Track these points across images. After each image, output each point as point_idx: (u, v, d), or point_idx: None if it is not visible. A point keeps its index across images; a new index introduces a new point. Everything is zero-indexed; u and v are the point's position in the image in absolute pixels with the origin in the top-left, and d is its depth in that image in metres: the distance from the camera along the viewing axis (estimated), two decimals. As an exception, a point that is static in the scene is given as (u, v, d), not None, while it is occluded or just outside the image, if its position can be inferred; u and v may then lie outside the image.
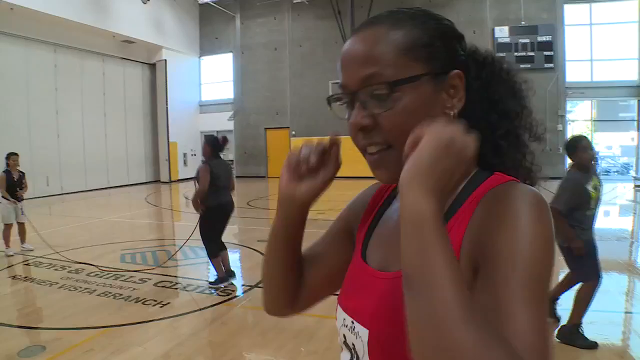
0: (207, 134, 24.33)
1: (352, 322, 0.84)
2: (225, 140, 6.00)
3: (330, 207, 14.16)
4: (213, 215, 5.73)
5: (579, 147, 4.11)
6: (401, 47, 0.76)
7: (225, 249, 5.94)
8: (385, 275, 0.81)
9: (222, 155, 5.99)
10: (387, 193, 0.99)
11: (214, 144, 5.86)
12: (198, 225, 5.87)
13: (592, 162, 4.23)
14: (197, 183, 5.73)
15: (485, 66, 0.87)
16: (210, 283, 5.79)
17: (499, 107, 0.85)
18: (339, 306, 0.90)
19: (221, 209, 5.77)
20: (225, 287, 5.67)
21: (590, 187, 4.08)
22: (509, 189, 0.71)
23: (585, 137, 4.29)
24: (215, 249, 5.78)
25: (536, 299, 0.60)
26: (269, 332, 4.49)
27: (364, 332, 0.80)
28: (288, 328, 4.52)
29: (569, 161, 4.35)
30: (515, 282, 0.60)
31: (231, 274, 5.89)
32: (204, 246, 5.88)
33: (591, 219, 4.17)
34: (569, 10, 19.10)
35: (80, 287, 5.76)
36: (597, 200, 4.18)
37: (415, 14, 0.81)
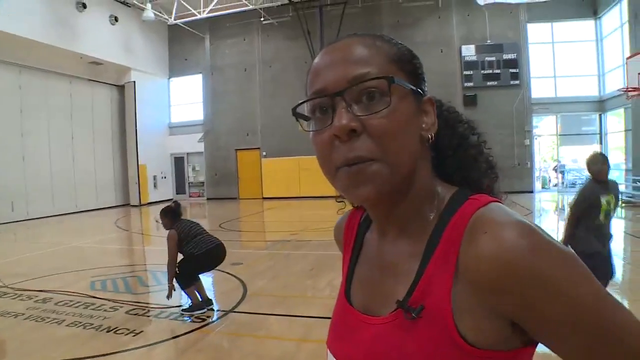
0: (177, 155, 24.25)
1: None
2: (177, 203, 5.96)
3: (303, 227, 14.10)
4: (201, 261, 5.57)
5: (596, 162, 4.38)
6: (390, 55, 0.75)
7: (199, 279, 5.75)
8: (374, 321, 0.78)
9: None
10: (357, 219, 0.95)
11: (169, 213, 5.75)
12: (181, 271, 5.59)
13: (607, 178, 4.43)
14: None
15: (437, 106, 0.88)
16: (184, 310, 5.60)
17: (463, 141, 0.87)
18: (329, 350, 0.87)
19: (209, 255, 5.58)
20: (199, 315, 5.51)
21: (603, 199, 4.29)
22: (494, 232, 0.67)
23: (602, 154, 4.59)
24: (188, 282, 5.58)
25: (620, 312, 0.65)
26: (247, 357, 4.37)
27: None
28: (266, 354, 4.42)
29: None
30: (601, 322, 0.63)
31: (209, 303, 5.69)
32: (176, 277, 5.60)
33: (600, 230, 4.35)
34: (532, 29, 19.87)
35: (48, 318, 5.52)
36: (608, 214, 4.35)
37: (392, 39, 0.81)
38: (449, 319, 0.67)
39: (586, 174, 4.67)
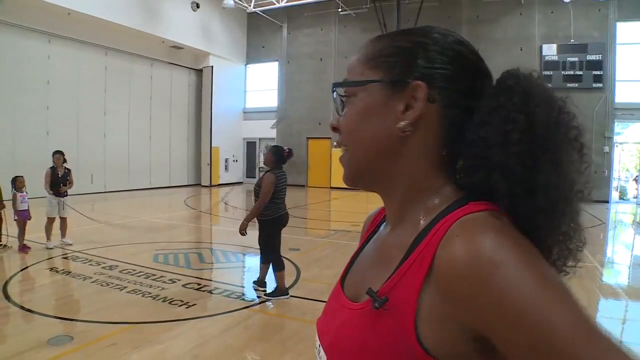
0: (249, 140, 24.77)
1: (319, 346, 0.83)
2: (290, 152, 5.77)
3: (363, 219, 14.10)
4: (272, 227, 5.61)
5: None
6: (366, 57, 0.82)
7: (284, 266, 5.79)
8: (351, 306, 0.79)
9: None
10: (380, 217, 0.97)
11: (278, 155, 5.64)
12: (260, 238, 5.68)
13: None
14: (254, 192, 5.61)
15: (513, 94, 0.72)
16: (267, 294, 5.65)
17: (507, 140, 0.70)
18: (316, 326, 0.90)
19: (280, 221, 5.65)
20: (277, 299, 5.57)
21: None
22: (466, 239, 0.64)
23: None
24: (282, 262, 5.66)
25: (597, 337, 0.56)
26: (289, 340, 4.51)
27: (324, 357, 0.81)
28: (308, 337, 4.51)
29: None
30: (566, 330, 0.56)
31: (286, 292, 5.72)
32: (270, 259, 5.66)
33: None
34: (622, 28, 18.41)
35: (112, 283, 5.93)
36: None
37: (399, 32, 0.82)
38: (410, 318, 0.66)
39: None
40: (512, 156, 0.68)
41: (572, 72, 18.16)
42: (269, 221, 5.53)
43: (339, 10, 21.76)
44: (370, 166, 0.81)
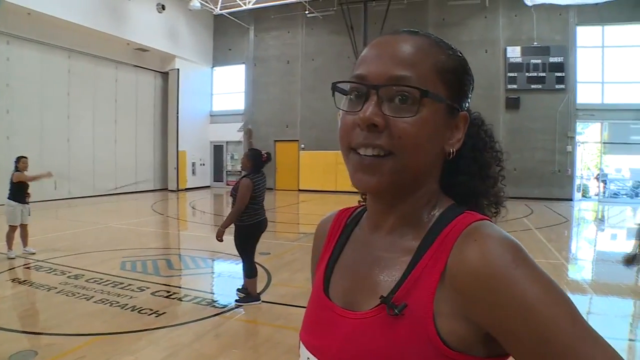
0: (216, 143, 24.59)
1: None
2: (268, 157, 5.70)
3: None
4: (250, 233, 5.51)
5: None
6: (439, 65, 0.78)
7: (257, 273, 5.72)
8: (352, 315, 0.78)
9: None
10: (346, 217, 0.97)
11: (256, 159, 5.57)
12: (235, 243, 5.56)
13: None
14: (232, 197, 5.51)
15: (474, 127, 0.89)
16: (238, 300, 5.55)
17: (482, 167, 0.88)
18: (301, 342, 0.88)
19: (258, 227, 5.55)
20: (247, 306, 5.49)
21: None
22: (483, 242, 0.69)
23: None
24: (255, 268, 5.60)
25: (592, 336, 0.63)
26: (262, 346, 4.46)
27: None
28: (282, 342, 4.49)
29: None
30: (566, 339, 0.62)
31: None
32: (243, 264, 5.58)
33: None
34: (582, 32, 19.06)
35: (79, 293, 5.76)
36: None
37: (451, 46, 0.82)
38: (429, 320, 0.69)
39: (630, 184, 4.58)
40: (484, 174, 0.87)
41: (535, 74, 18.65)
42: (247, 227, 5.45)
43: (306, 12, 21.76)
44: (415, 179, 0.79)
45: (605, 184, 19.63)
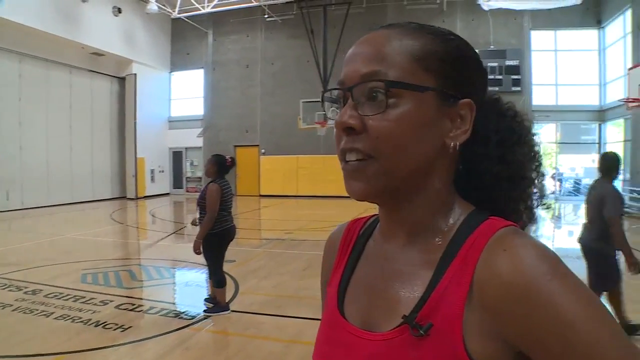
0: (175, 150, 24.21)
1: None
2: (232, 161, 5.54)
3: (299, 226, 14.07)
4: (218, 242, 5.36)
5: (619, 163, 4.52)
6: (414, 52, 0.71)
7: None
8: (372, 337, 0.71)
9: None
10: (357, 229, 0.90)
11: (220, 164, 5.40)
12: (203, 252, 5.37)
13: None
14: (199, 205, 5.35)
15: (505, 119, 0.81)
16: (207, 311, 5.42)
17: (512, 167, 0.79)
18: None
19: (227, 235, 5.42)
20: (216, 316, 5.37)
21: None
22: (513, 251, 0.63)
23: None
24: (223, 278, 5.46)
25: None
26: (235, 357, 4.35)
27: None
28: (254, 353, 4.39)
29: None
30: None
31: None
32: (211, 274, 5.48)
33: None
34: (536, 36, 19.91)
35: (37, 310, 5.48)
36: None
37: (439, 30, 0.76)
38: (458, 339, 0.63)
39: (583, 182, 4.70)
40: (514, 176, 0.78)
41: (492, 77, 19.15)
42: (216, 235, 5.29)
43: (265, 16, 21.71)
44: (406, 181, 0.72)
45: (561, 182, 20.31)
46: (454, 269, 0.67)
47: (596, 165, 4.65)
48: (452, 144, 0.73)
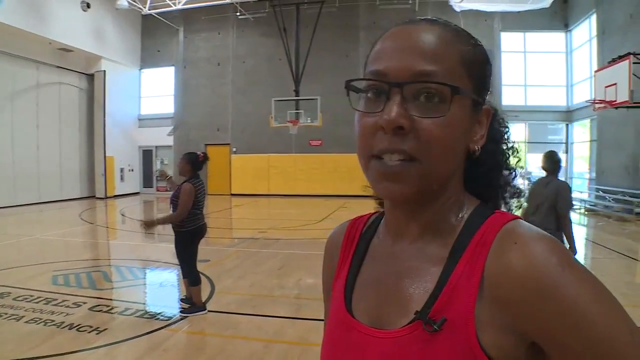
0: (145, 148, 23.86)
1: None
2: (205, 156, 5.49)
3: (271, 225, 14.03)
4: (190, 240, 5.35)
5: (561, 160, 5.02)
6: (464, 57, 0.71)
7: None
8: (383, 334, 0.71)
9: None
10: (360, 227, 0.90)
11: (193, 161, 5.37)
12: (177, 250, 5.42)
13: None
14: (172, 204, 5.28)
15: (494, 118, 0.84)
16: (183, 311, 5.38)
17: (502, 162, 0.86)
18: None
19: (198, 233, 5.41)
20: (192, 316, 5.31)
21: None
22: (524, 244, 0.64)
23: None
24: (198, 276, 5.42)
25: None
26: (214, 358, 4.30)
27: None
28: (234, 354, 4.36)
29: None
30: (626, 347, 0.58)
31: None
32: (184, 272, 5.43)
33: None
34: (506, 37, 20.37)
35: (6, 314, 5.31)
36: None
37: (470, 35, 0.76)
38: (471, 332, 0.64)
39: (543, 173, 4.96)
40: (503, 167, 0.85)
41: (463, 76, 19.51)
42: (187, 233, 5.28)
43: (237, 14, 21.58)
44: (443, 183, 0.73)
45: (529, 180, 20.68)
46: (464, 263, 0.68)
47: (541, 164, 5.02)
48: (475, 147, 0.75)
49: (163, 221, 5.27)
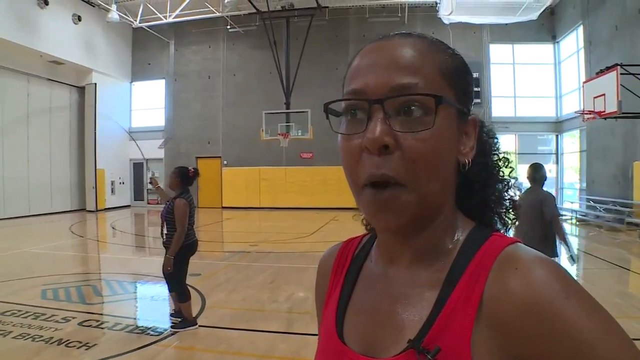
0: (136, 161, 23.78)
1: None
2: (195, 172, 5.44)
3: (263, 238, 13.94)
4: (181, 256, 5.26)
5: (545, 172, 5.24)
6: (443, 67, 0.68)
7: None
8: None
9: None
10: (352, 249, 0.87)
11: (184, 176, 5.32)
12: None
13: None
14: (166, 220, 5.25)
15: (481, 129, 0.82)
16: (174, 327, 5.32)
17: (489, 170, 0.81)
18: None
19: (190, 249, 5.36)
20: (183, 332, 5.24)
21: None
22: (526, 270, 0.61)
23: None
24: (187, 292, 5.36)
25: None
26: (205, 374, 4.26)
27: None
28: (225, 370, 4.31)
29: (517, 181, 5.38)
30: None
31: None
32: (170, 286, 5.40)
33: None
34: (494, 49, 20.58)
35: (-6, 328, 5.27)
36: None
37: (448, 45, 0.73)
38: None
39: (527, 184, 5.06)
40: (495, 180, 0.82)
41: (453, 89, 19.72)
42: (181, 249, 5.22)
43: (228, 27, 21.66)
44: (438, 205, 0.70)
45: (520, 191, 20.77)
46: (460, 289, 0.65)
47: (526, 175, 5.29)
48: (464, 161, 0.72)
49: (173, 251, 5.14)
